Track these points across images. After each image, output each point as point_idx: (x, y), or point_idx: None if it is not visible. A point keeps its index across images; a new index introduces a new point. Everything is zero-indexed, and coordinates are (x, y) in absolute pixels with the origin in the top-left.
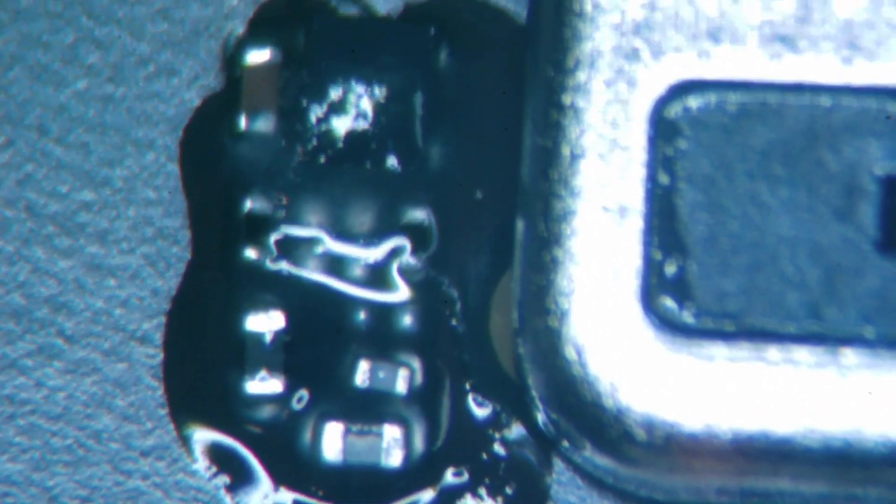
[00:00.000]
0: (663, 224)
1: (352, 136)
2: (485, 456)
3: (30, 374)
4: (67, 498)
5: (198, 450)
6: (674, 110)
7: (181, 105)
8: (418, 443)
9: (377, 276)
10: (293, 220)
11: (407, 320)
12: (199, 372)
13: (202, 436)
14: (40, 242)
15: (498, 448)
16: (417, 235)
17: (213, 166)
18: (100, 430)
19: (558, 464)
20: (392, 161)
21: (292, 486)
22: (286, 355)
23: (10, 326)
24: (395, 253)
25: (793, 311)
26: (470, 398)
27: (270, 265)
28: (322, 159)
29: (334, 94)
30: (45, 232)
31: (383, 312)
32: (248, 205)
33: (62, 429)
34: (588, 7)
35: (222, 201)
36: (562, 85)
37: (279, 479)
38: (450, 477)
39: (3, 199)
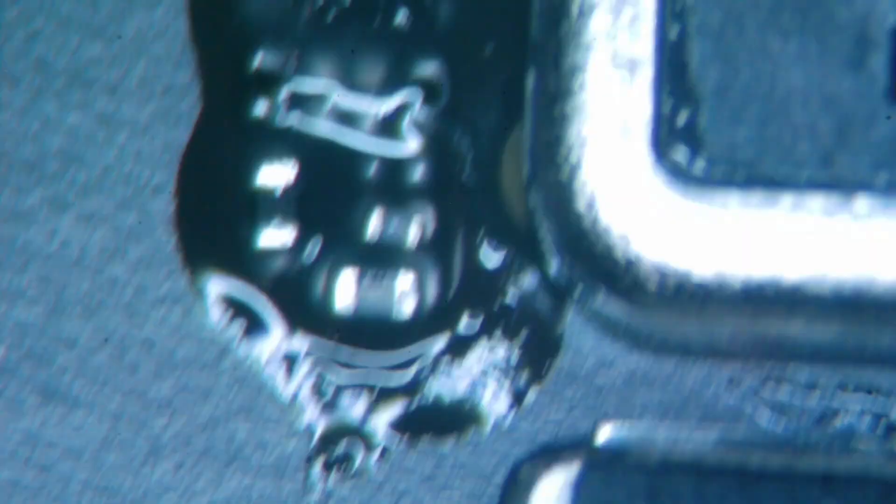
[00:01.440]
0: (674, 75)
1: None
2: (498, 303)
3: (43, 225)
4: (82, 346)
5: (211, 298)
6: None
7: None
8: (431, 291)
9: (388, 129)
10: (303, 74)
11: (418, 172)
12: (211, 222)
13: (216, 284)
14: (51, 96)
15: (511, 295)
16: (428, 89)
17: (222, 20)
18: (114, 279)
19: (571, 310)
20: (401, 17)
21: (306, 334)
22: (298, 207)
23: (22, 178)
24: (405, 107)
25: (805, 159)
26: (483, 247)
27: (281, 119)
28: (330, 17)
29: None
30: (56, 86)
31: (395, 164)
32: (258, 59)
33: (76, 278)
34: None
35: (232, 55)
36: None
37: (292, 328)
38: (463, 323)
39: (12, 53)
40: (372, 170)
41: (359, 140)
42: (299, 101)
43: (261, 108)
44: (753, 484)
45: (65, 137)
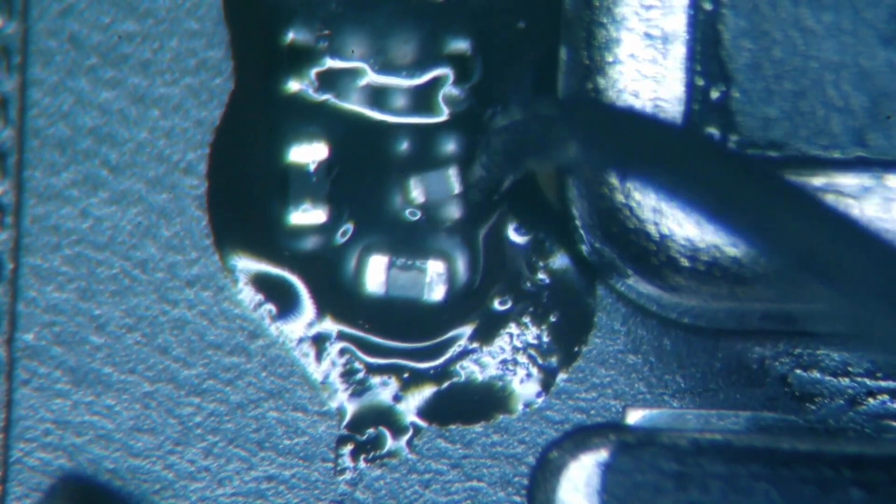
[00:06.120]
0: (706, 51)
1: None
2: (528, 285)
3: (75, 205)
4: (114, 326)
5: (242, 279)
6: None
7: None
8: (462, 273)
9: (420, 106)
10: (335, 51)
11: (451, 150)
12: (243, 202)
13: (247, 265)
14: (83, 73)
15: (542, 277)
16: (460, 65)
17: None
18: (145, 260)
19: (602, 291)
20: None
21: (336, 317)
22: (330, 185)
23: (54, 157)
24: (437, 83)
25: (838, 138)
26: (513, 228)
27: (313, 96)
28: None
29: None
30: (88, 63)
31: (427, 142)
32: (291, 36)
33: (108, 258)
34: None
35: (265, 32)
36: None
37: (323, 309)
38: (494, 307)
39: (45, 29)
40: (404, 147)
41: (391, 117)
42: (332, 78)
43: (293, 85)
44: (783, 467)
45: (97, 115)
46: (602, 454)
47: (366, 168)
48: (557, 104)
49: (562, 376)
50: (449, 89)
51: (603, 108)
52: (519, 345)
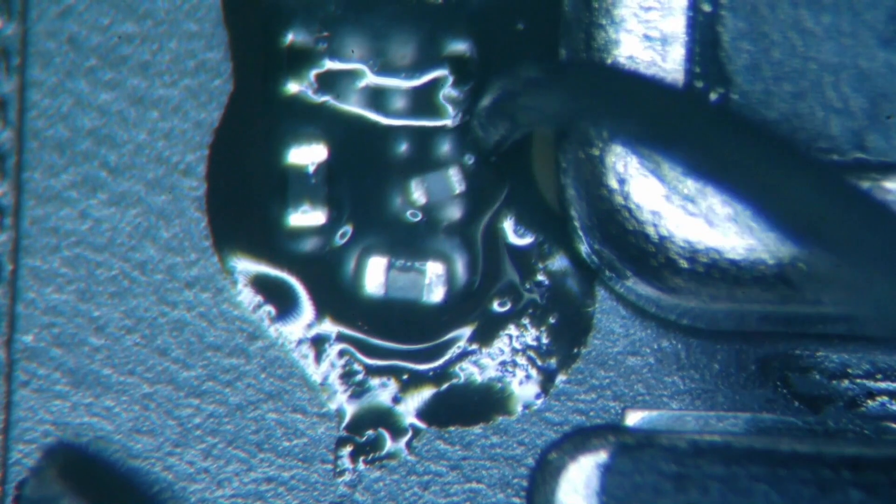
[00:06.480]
0: (705, 52)
1: None
2: (528, 287)
3: (74, 206)
4: (113, 328)
5: (241, 281)
6: None
7: None
8: (461, 276)
9: (419, 108)
10: (335, 53)
11: (450, 152)
12: (242, 204)
13: (246, 267)
14: (83, 75)
15: (541, 279)
16: (459, 67)
17: None
18: (144, 262)
19: (601, 293)
20: None
21: (335, 318)
22: (329, 187)
23: (53, 158)
24: (437, 85)
25: (837, 140)
26: (512, 230)
27: (312, 98)
28: None
29: None
30: (88, 64)
31: (426, 144)
32: (290, 37)
33: (107, 260)
34: None
35: (264, 33)
36: None
37: (322, 311)
38: (493, 308)
39: (44, 31)
40: (403, 149)
41: (390, 119)
42: (331, 80)
43: (293, 86)
44: (783, 469)
45: (96, 117)
46: (601, 456)
47: (365, 169)
48: (551, 67)
49: (561, 378)
50: (448, 90)
51: (597, 69)
52: (518, 346)
